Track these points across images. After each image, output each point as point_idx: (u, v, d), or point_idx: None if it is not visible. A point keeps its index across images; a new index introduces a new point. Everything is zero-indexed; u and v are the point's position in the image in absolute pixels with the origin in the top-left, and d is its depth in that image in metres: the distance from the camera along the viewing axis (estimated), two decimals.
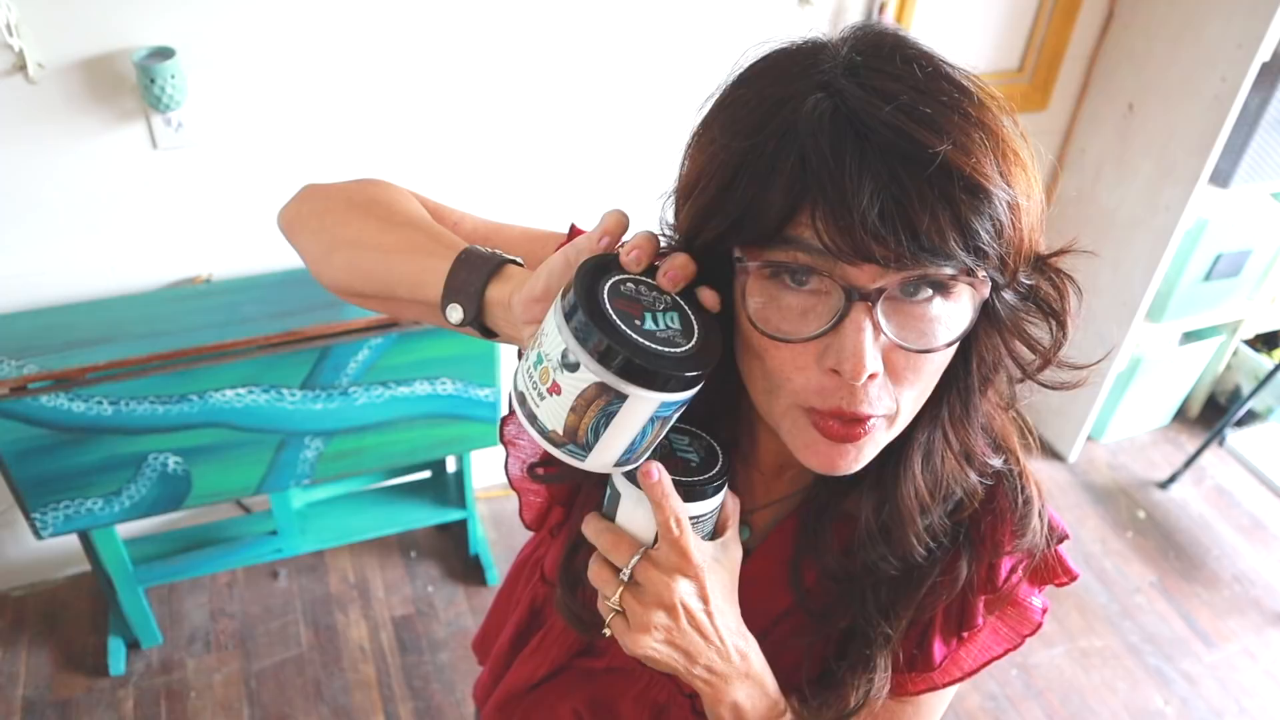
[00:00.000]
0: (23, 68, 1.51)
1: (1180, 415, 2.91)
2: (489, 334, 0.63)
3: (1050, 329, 0.59)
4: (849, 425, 0.55)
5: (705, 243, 0.56)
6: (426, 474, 2.24)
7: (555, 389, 0.51)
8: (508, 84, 1.84)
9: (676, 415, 0.55)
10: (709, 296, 0.56)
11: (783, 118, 0.52)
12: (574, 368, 0.49)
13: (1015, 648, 0.72)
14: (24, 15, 1.47)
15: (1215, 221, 2.28)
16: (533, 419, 0.53)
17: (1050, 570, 0.70)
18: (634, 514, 0.60)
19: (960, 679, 0.72)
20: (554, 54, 1.84)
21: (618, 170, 2.02)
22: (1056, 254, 0.59)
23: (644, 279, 0.54)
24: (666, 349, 0.50)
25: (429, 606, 2.17)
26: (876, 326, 0.52)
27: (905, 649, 0.70)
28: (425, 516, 2.16)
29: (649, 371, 0.49)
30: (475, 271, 0.61)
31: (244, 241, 1.83)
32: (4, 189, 1.62)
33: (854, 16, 2.02)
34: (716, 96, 0.58)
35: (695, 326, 0.53)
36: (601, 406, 0.50)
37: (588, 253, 0.55)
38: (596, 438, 0.52)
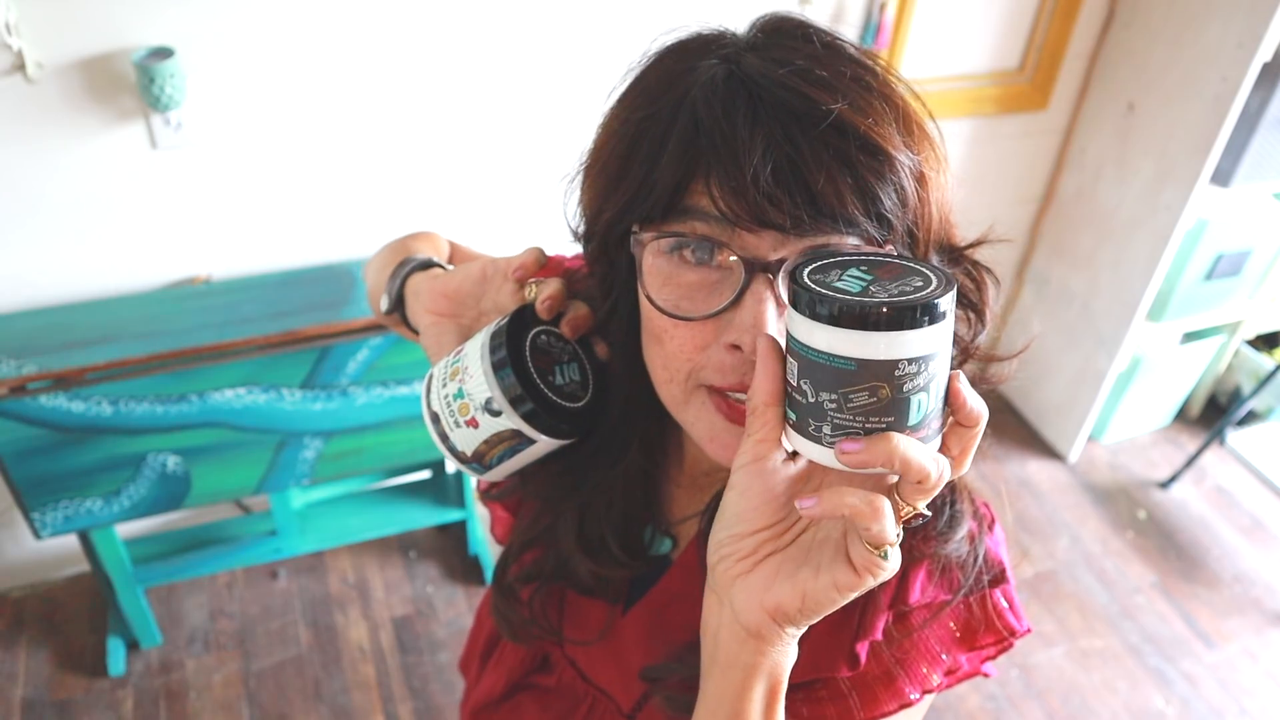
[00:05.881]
0: (22, 67, 1.51)
1: (1181, 415, 2.91)
2: (410, 327, 0.72)
3: (969, 321, 0.59)
4: None
5: (607, 222, 0.55)
6: (426, 474, 2.24)
7: (473, 423, 0.58)
8: (509, 81, 1.84)
9: None
10: (601, 346, 0.63)
11: (679, 88, 0.52)
12: (496, 414, 0.57)
13: (903, 705, 0.62)
14: (23, 15, 1.47)
15: (1215, 221, 2.28)
16: (444, 438, 0.60)
17: (987, 623, 0.63)
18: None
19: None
20: (554, 53, 1.84)
21: None
22: (973, 245, 0.58)
23: (552, 328, 0.62)
24: (571, 404, 0.59)
25: (429, 607, 2.17)
26: (779, 299, 0.50)
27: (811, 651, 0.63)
28: (425, 516, 2.16)
29: (559, 426, 0.58)
30: (404, 268, 0.73)
31: (244, 241, 1.83)
32: (3, 189, 1.62)
33: (854, 16, 2.02)
34: (625, 80, 0.58)
35: (589, 376, 0.62)
36: (511, 445, 0.59)
37: (501, 278, 0.63)
38: (499, 463, 0.61)
